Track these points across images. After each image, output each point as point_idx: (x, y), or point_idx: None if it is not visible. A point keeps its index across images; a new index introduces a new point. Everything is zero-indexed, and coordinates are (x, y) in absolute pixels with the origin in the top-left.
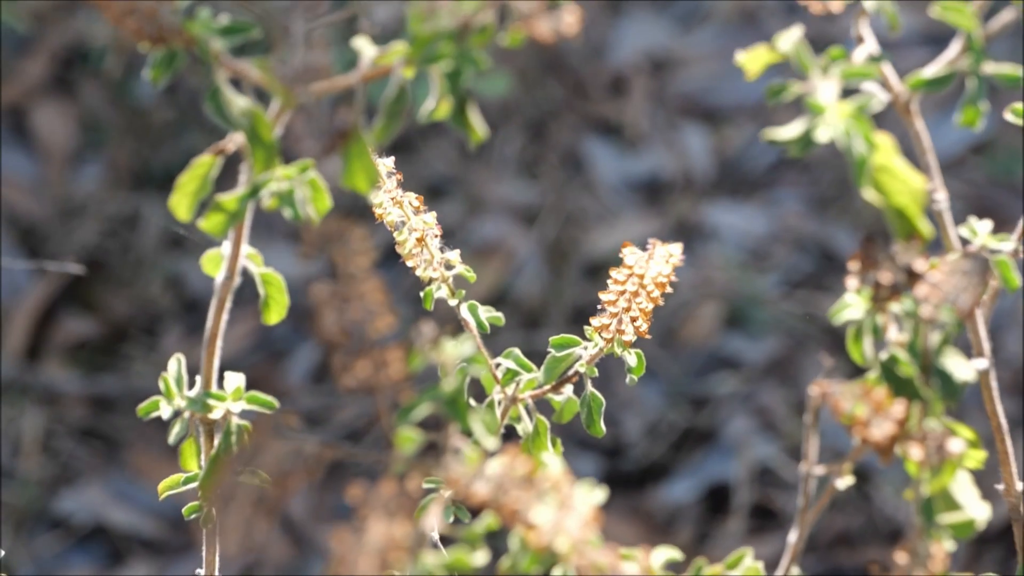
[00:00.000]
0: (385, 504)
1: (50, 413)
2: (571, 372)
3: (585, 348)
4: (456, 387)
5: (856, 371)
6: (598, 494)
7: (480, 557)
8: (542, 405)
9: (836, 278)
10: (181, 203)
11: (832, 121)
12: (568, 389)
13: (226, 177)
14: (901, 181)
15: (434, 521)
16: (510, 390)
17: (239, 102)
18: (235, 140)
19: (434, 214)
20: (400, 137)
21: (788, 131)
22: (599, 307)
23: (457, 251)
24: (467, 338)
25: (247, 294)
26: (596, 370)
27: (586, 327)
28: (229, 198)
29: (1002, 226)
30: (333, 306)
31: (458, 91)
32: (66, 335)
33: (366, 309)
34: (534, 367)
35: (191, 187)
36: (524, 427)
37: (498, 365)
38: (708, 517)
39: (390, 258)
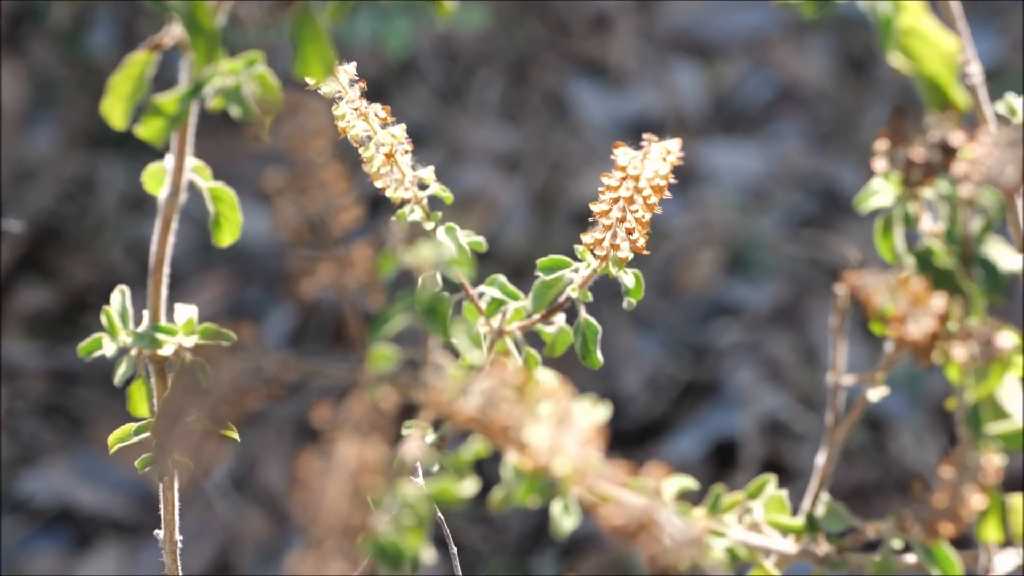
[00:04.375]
0: (356, 424)
1: (9, 389)
2: (562, 298)
3: (576, 270)
4: (435, 294)
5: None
6: (601, 410)
7: (468, 487)
8: (532, 337)
9: (841, 217)
10: (115, 108)
11: None
12: (560, 318)
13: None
14: (932, 45)
15: (415, 447)
16: (495, 321)
17: None
18: (172, 34)
19: (403, 126)
20: (372, 83)
21: None
22: (590, 219)
23: (431, 167)
24: (446, 241)
25: (215, 257)
26: (590, 294)
27: (576, 245)
28: (168, 98)
29: None
30: (290, 198)
31: None
32: (23, 306)
33: (328, 201)
34: (521, 295)
35: (125, 89)
36: (513, 362)
37: (481, 295)
38: (714, 474)
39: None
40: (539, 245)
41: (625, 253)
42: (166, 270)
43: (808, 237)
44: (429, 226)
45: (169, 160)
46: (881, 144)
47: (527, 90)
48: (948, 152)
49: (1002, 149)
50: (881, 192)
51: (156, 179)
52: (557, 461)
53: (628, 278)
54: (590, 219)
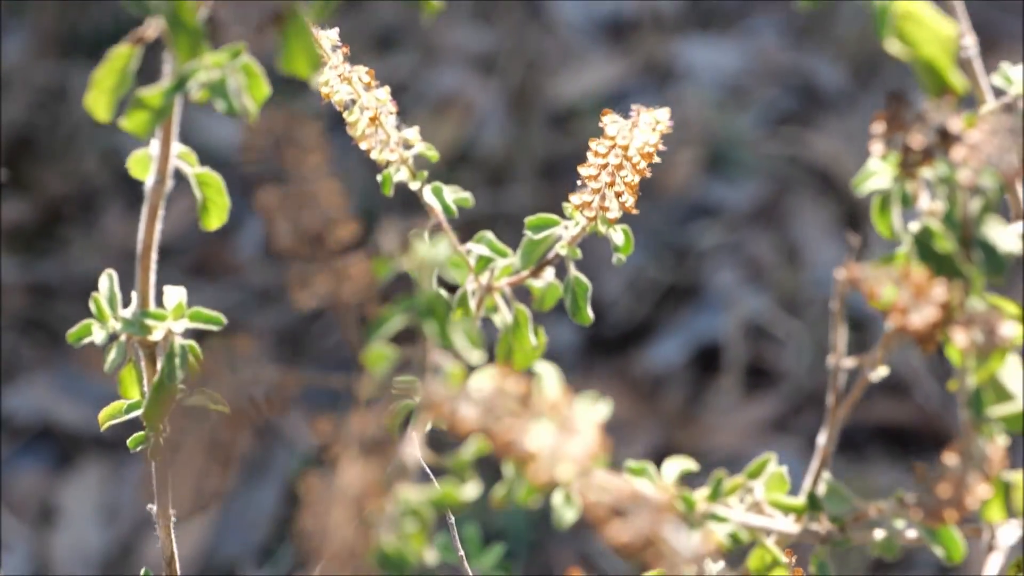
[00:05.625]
0: (359, 441)
1: None
2: (551, 255)
3: (566, 228)
4: (433, 295)
5: (852, 217)
6: (602, 408)
7: (471, 489)
8: (521, 293)
9: (821, 113)
10: (99, 102)
11: None
12: (549, 273)
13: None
14: (928, 29)
15: (416, 451)
16: (484, 278)
17: None
18: (156, 26)
19: (387, 89)
20: None
21: None
22: (579, 183)
23: (416, 128)
24: (441, 239)
25: None
26: (579, 252)
27: (565, 204)
28: (153, 93)
29: (996, 44)
30: (285, 214)
31: None
32: None
33: (323, 215)
34: (509, 251)
35: (109, 83)
36: (502, 318)
37: (469, 251)
38: (697, 378)
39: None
40: (517, 148)
41: (615, 214)
42: (154, 256)
43: (787, 134)
44: (415, 186)
45: (154, 147)
46: (878, 128)
47: None
48: (946, 137)
49: (1002, 135)
50: (879, 174)
51: (142, 166)
52: (561, 468)
53: (618, 235)
54: (579, 182)
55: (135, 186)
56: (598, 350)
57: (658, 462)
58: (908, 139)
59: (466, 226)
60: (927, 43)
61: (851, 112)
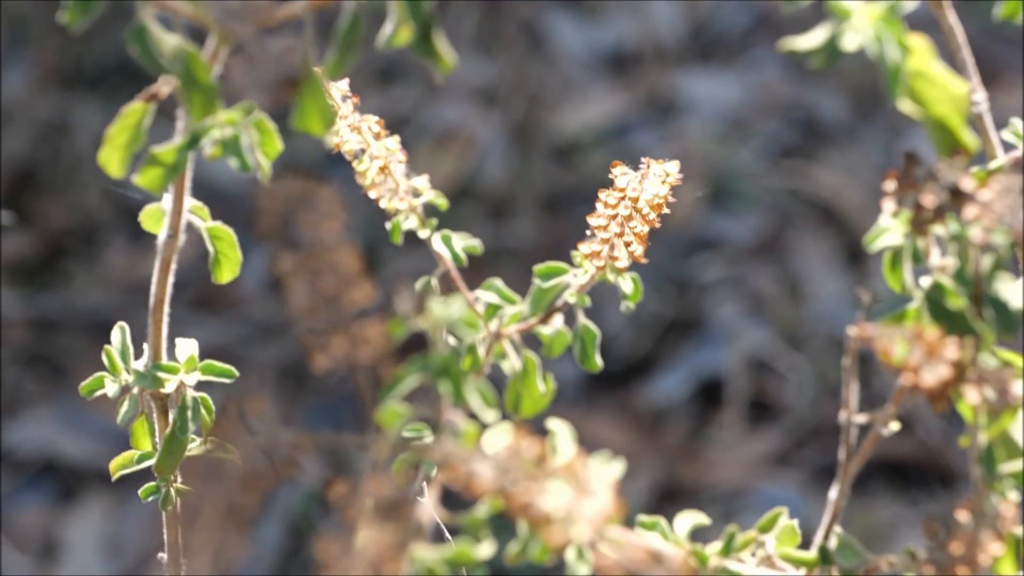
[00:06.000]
0: (375, 503)
1: None
2: (559, 302)
3: (574, 275)
4: (448, 355)
5: (854, 251)
6: (616, 467)
7: (486, 548)
8: (529, 340)
9: (822, 146)
10: (112, 158)
11: (860, 26)
12: (558, 320)
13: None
14: (940, 88)
15: (431, 510)
16: (493, 325)
17: (170, 41)
18: (169, 83)
19: (397, 138)
20: None
21: (809, 40)
22: (588, 232)
23: (426, 176)
24: (455, 298)
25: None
26: (588, 299)
27: (574, 252)
28: (166, 149)
29: (997, 76)
30: (302, 279)
31: (421, 14)
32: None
33: (340, 280)
34: (518, 298)
35: (122, 139)
36: (511, 365)
37: (477, 299)
38: (699, 412)
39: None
40: (519, 181)
41: (624, 263)
42: (166, 309)
43: (789, 167)
44: (424, 234)
45: (167, 201)
46: (889, 186)
47: (502, 21)
48: (958, 195)
49: (1013, 194)
50: (890, 230)
51: (154, 220)
52: (576, 530)
53: (627, 284)
54: (587, 231)
55: (136, 219)
56: (600, 384)
57: (660, 496)
58: (920, 197)
59: (469, 261)
60: (939, 102)
61: (853, 145)
